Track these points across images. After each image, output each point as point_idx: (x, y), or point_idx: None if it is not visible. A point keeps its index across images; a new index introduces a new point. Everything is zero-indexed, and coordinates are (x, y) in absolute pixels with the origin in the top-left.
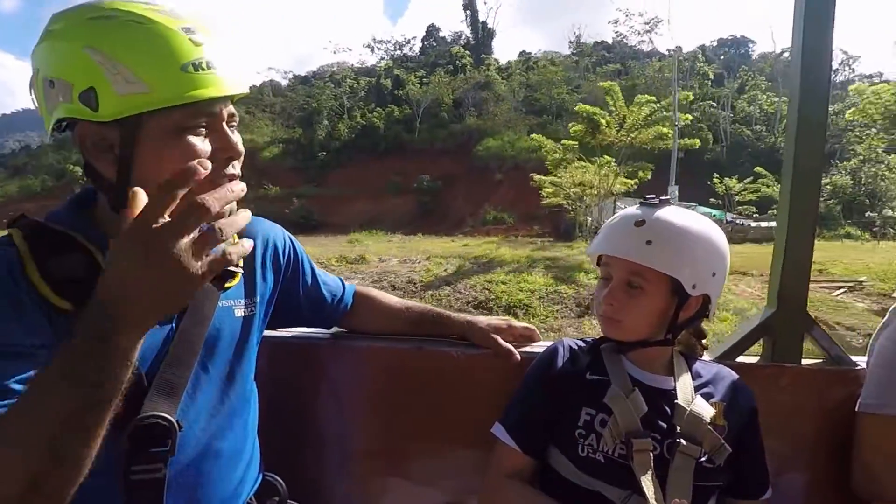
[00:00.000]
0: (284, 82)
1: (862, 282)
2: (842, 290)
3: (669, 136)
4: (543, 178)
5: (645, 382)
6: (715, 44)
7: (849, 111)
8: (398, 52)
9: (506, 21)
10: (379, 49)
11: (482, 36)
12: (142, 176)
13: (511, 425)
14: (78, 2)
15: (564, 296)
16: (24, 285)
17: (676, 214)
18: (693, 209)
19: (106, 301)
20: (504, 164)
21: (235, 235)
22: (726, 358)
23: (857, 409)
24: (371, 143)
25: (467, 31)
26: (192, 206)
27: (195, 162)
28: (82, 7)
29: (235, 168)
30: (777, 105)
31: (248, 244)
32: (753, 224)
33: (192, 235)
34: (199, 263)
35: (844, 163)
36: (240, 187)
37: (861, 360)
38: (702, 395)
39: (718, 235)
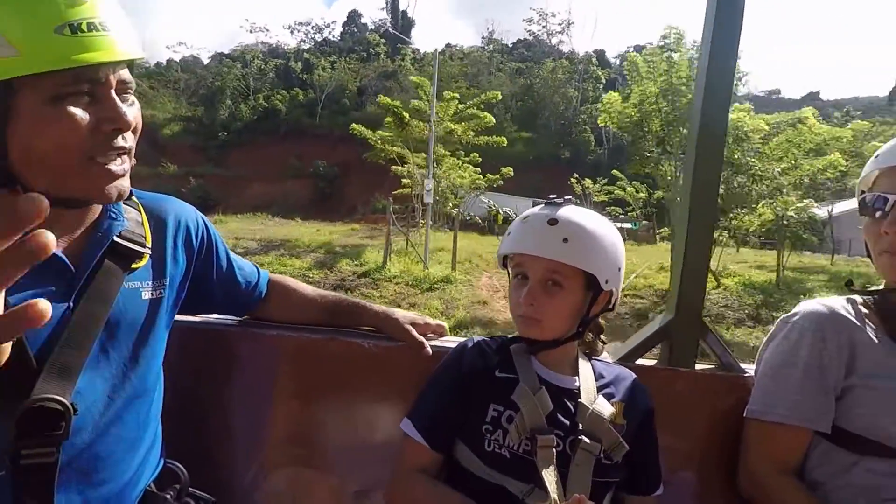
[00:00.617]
0: (206, 59)
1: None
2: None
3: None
4: (401, 168)
5: (551, 381)
6: (631, 48)
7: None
8: (318, 35)
9: (442, 11)
10: (298, 31)
11: (402, 25)
12: (19, 149)
13: (419, 420)
14: None
15: (308, 280)
16: None
17: (582, 213)
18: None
19: None
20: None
21: None
22: (627, 360)
23: (744, 415)
24: (273, 125)
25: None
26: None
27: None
28: None
29: (127, 141)
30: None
31: None
32: (617, 225)
33: None
34: None
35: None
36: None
37: (750, 368)
38: (604, 394)
39: (616, 233)
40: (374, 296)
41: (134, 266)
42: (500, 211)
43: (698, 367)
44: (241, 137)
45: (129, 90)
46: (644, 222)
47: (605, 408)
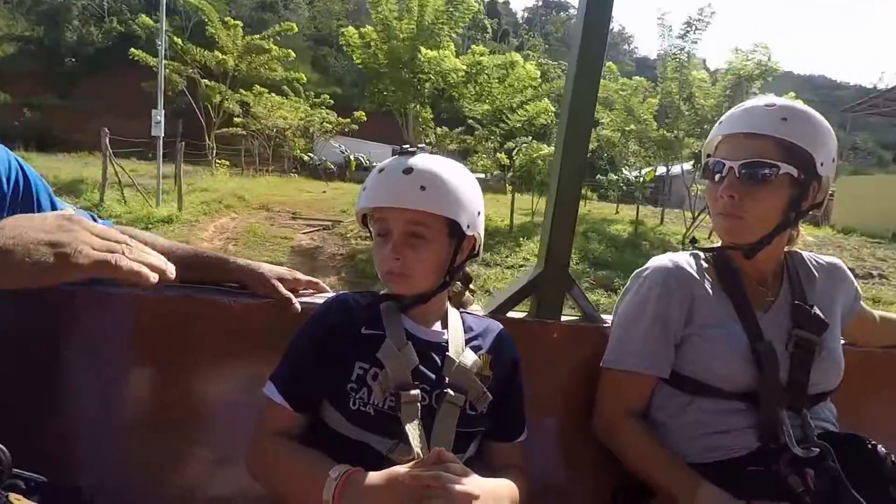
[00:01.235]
0: None
1: (339, 222)
2: (315, 230)
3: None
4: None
5: (419, 336)
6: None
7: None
8: None
9: None
10: None
11: None
12: None
13: (282, 382)
14: None
15: None
16: None
17: (436, 160)
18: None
19: None
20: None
21: None
22: (498, 313)
23: (601, 365)
24: (129, 53)
25: None
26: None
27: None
28: None
29: None
30: (546, 67)
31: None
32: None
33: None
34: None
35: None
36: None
37: (611, 320)
38: (471, 347)
39: (472, 178)
40: None
41: None
42: (354, 157)
43: (564, 318)
44: (91, 65)
45: None
46: (496, 172)
47: (472, 360)
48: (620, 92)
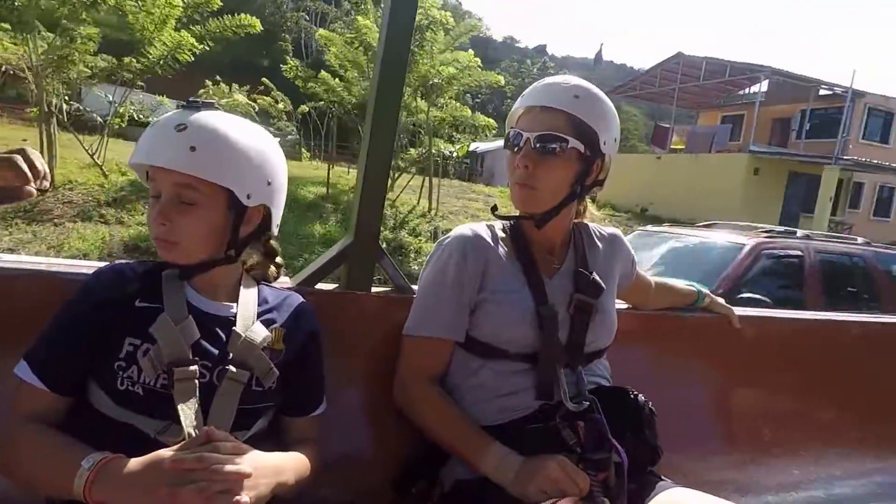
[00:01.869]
0: None
1: None
2: None
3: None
4: None
5: (203, 310)
6: None
7: None
8: None
9: None
10: None
11: None
12: None
13: (38, 362)
14: None
15: None
16: None
17: (221, 119)
18: None
19: None
20: None
21: None
22: (307, 284)
23: (402, 333)
24: None
25: None
26: None
27: None
28: None
29: None
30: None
31: None
32: None
33: None
34: None
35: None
36: None
37: None
38: (264, 321)
39: (269, 142)
40: None
41: None
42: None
43: (376, 290)
44: None
45: None
46: (290, 137)
47: (262, 335)
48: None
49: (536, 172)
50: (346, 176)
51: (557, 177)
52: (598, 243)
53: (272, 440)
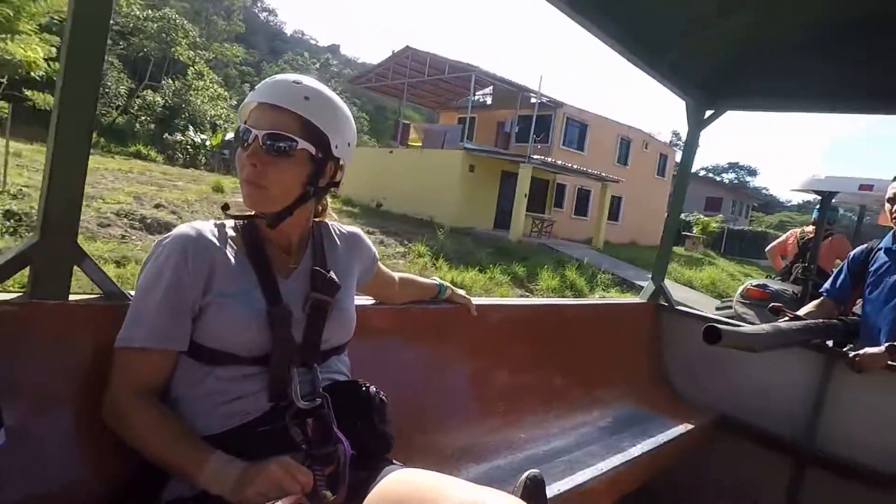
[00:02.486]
0: None
1: None
2: None
3: None
4: None
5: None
6: None
7: None
8: None
9: None
10: None
11: None
12: None
13: (137, 325)
14: None
15: None
16: None
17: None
18: None
19: None
20: None
21: None
22: None
23: (115, 345)
24: None
25: None
26: None
27: None
28: None
29: None
30: None
31: None
32: None
33: None
34: None
35: (168, 80)
36: None
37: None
38: None
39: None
40: None
41: None
42: None
43: (78, 297)
44: None
45: None
46: None
47: None
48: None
49: (266, 171)
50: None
51: (287, 177)
52: (338, 241)
53: None
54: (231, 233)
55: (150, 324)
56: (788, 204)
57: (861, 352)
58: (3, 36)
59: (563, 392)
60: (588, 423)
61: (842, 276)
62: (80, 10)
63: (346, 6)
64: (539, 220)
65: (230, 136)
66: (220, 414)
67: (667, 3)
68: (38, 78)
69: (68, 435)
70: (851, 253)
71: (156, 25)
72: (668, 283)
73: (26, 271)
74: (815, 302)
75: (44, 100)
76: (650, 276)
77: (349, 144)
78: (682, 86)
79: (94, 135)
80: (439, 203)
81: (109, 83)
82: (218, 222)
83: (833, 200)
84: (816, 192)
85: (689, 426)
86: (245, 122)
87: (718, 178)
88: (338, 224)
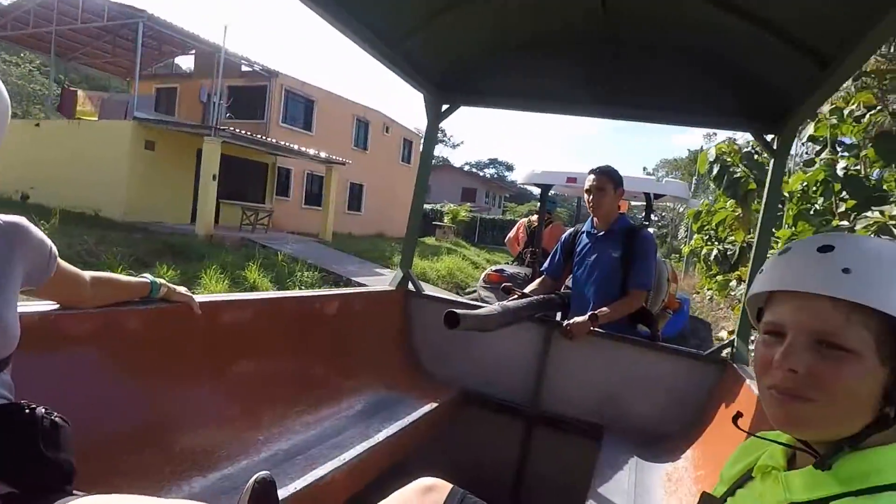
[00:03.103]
0: None
1: None
2: None
3: None
4: None
5: None
6: None
7: None
8: None
9: None
10: None
11: None
12: None
13: None
14: None
15: None
16: None
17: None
18: None
19: None
20: None
21: None
22: None
23: None
24: None
25: None
26: None
27: None
28: None
29: None
30: None
31: None
32: None
33: None
34: None
35: None
36: None
37: None
38: None
39: None
40: None
41: None
42: None
43: None
44: None
45: None
46: None
47: None
48: None
49: None
50: None
51: None
52: None
53: None
54: None
55: None
56: (538, 195)
57: (570, 321)
58: None
59: (311, 387)
60: (333, 416)
61: (557, 256)
62: None
63: None
64: (253, 211)
65: None
66: None
67: None
68: None
69: None
70: (563, 235)
71: None
72: None
73: None
74: (538, 280)
75: None
76: (376, 269)
77: None
78: (419, 80)
79: None
80: (106, 191)
81: None
82: None
83: (550, 192)
84: (537, 185)
85: (435, 404)
86: None
87: (482, 174)
88: None
